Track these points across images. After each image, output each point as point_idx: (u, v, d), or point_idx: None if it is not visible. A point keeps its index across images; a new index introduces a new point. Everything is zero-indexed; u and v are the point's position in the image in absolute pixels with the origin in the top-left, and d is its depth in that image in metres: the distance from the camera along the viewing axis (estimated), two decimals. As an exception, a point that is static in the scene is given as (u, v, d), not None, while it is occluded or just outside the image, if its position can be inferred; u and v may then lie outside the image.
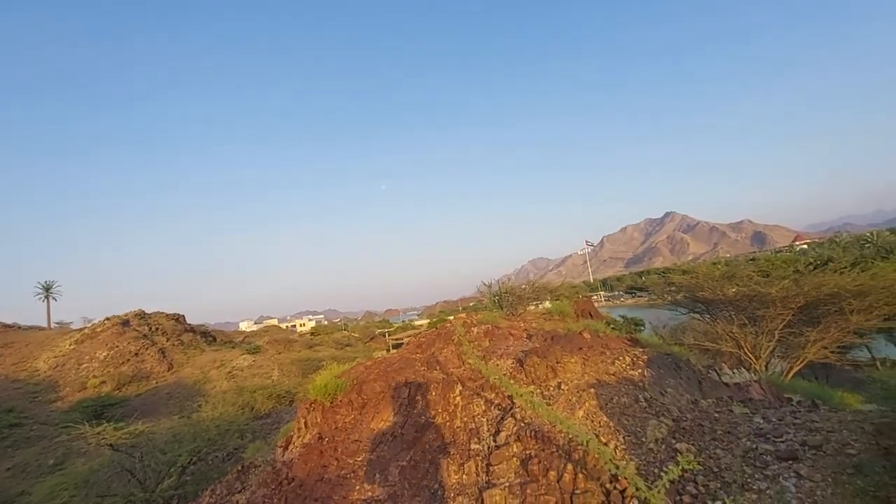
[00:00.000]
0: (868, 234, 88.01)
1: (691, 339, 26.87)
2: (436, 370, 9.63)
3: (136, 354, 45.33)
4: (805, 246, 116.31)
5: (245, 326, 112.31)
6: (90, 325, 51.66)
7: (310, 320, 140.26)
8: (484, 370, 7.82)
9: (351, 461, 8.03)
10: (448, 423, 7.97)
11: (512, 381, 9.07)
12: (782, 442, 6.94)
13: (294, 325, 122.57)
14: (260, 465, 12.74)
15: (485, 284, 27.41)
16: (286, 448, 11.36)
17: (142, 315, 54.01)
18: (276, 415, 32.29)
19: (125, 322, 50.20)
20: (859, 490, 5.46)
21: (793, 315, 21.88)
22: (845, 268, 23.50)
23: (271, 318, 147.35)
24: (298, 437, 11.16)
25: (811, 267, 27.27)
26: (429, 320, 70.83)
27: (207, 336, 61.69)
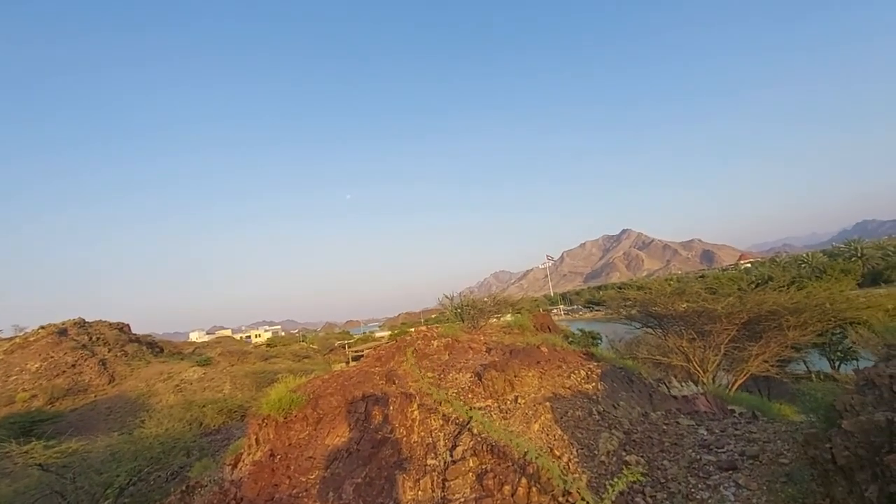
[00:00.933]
0: (804, 256, 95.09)
1: (645, 352, 27.94)
2: (394, 384, 9.52)
3: (74, 366, 42.14)
4: (749, 265, 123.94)
5: (196, 337, 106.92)
6: (22, 333, 47.74)
7: (266, 331, 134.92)
8: (435, 394, 7.80)
9: (304, 479, 7.77)
10: (405, 439, 7.87)
11: (470, 395, 9.12)
12: (724, 452, 7.31)
13: (249, 336, 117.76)
14: (206, 485, 12.10)
15: (447, 297, 27.52)
16: (235, 466, 10.85)
17: (81, 324, 50.43)
18: (226, 430, 30.72)
19: (62, 331, 46.69)
20: (790, 498, 5.81)
21: (737, 330, 23.22)
22: (784, 286, 25.24)
23: (224, 328, 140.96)
24: (249, 454, 10.70)
25: (753, 285, 29.13)
26: (390, 332, 70.01)
27: (154, 347, 58.28)
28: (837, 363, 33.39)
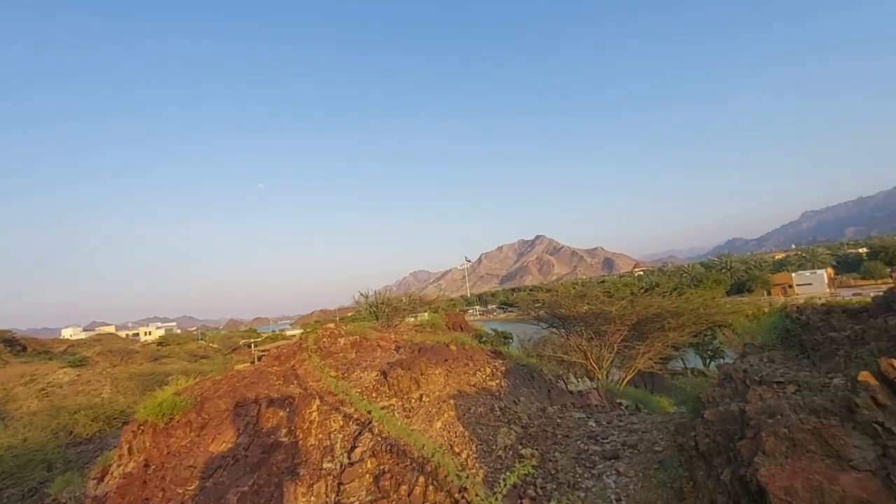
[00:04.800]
0: (686, 266, 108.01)
1: (550, 351, 29.62)
2: (293, 384, 8.95)
3: None
4: (642, 272, 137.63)
5: (70, 334, 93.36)
6: None
7: (158, 328, 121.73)
8: (334, 386, 7.47)
9: (181, 491, 6.98)
10: (301, 442, 7.41)
11: (374, 394, 8.88)
12: (608, 443, 7.85)
13: (137, 334, 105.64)
14: (65, 503, 10.56)
15: (362, 295, 26.90)
16: (101, 480, 9.54)
17: (-87, 318, 41.67)
18: (101, 439, 27.03)
19: None
20: (661, 482, 6.37)
21: (628, 331, 25.50)
22: (667, 292, 28.27)
23: (107, 324, 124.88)
24: (119, 465, 9.45)
25: (643, 290, 32.27)
26: (303, 330, 66.90)
27: (14, 345, 49.80)
28: (708, 361, 38.28)
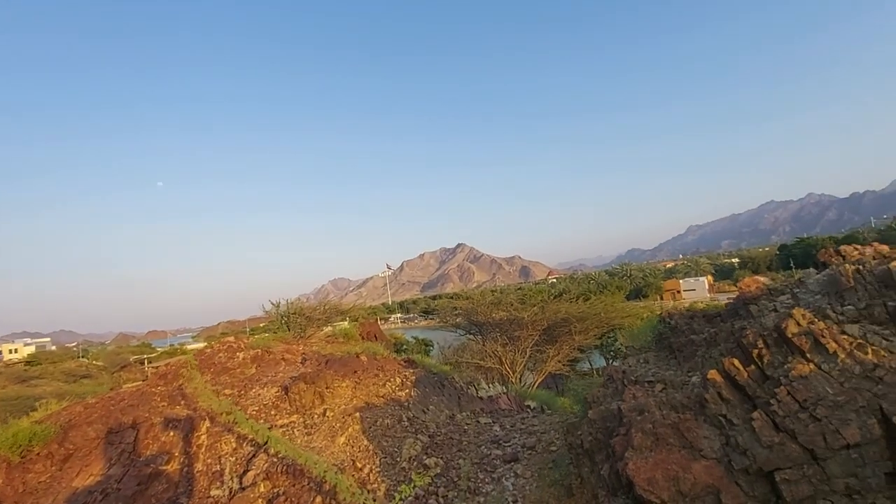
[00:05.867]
0: (594, 274, 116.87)
1: (468, 357, 30.27)
2: (180, 405, 8.17)
3: None
4: (555, 280, 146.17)
5: None
6: None
7: (27, 345, 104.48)
8: (216, 406, 6.95)
9: (33, 536, 6.02)
10: (186, 469, 6.77)
11: (273, 412, 8.40)
12: (509, 446, 8.15)
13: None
14: None
15: (273, 304, 25.47)
16: (-66, 530, 7.96)
17: None
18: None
19: None
20: (554, 481, 6.73)
21: (539, 335, 26.87)
22: (574, 298, 30.34)
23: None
24: (-43, 512, 7.96)
25: (553, 297, 34.32)
26: (206, 344, 61.58)
27: None
28: (611, 361, 41.45)
